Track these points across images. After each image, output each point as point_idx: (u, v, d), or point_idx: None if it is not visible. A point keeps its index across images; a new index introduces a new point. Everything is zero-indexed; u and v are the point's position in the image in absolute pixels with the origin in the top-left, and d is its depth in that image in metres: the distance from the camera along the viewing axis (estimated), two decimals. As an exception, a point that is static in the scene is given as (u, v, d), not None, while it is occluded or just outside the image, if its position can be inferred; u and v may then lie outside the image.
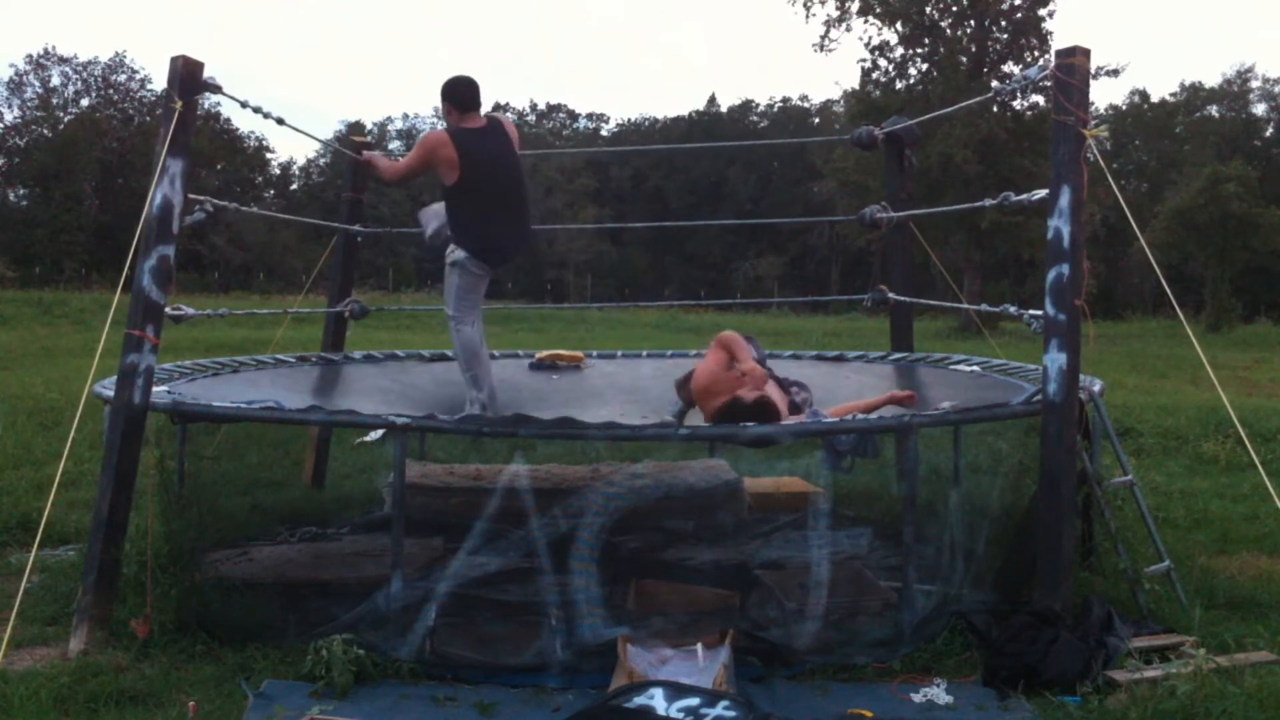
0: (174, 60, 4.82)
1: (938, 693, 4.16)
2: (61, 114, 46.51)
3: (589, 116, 69.93)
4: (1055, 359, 4.67)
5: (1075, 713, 3.92)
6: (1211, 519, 7.06)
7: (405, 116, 68.14)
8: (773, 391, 5.07)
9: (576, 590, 4.73)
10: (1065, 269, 4.70)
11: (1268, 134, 48.61)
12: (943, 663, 4.44)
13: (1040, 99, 29.69)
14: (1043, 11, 31.41)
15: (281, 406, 4.79)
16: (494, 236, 5.55)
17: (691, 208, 55.65)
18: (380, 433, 7.68)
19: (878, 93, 32.81)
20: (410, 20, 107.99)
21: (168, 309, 4.88)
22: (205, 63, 4.89)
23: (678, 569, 5.44)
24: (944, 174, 29.03)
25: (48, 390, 11.95)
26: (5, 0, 75.98)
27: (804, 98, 69.28)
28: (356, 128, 52.21)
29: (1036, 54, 31.10)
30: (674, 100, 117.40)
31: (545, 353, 7.68)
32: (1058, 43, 30.57)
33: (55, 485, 4.58)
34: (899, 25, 31.95)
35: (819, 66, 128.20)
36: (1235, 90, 48.83)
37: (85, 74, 47.74)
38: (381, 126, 62.28)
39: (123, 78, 48.10)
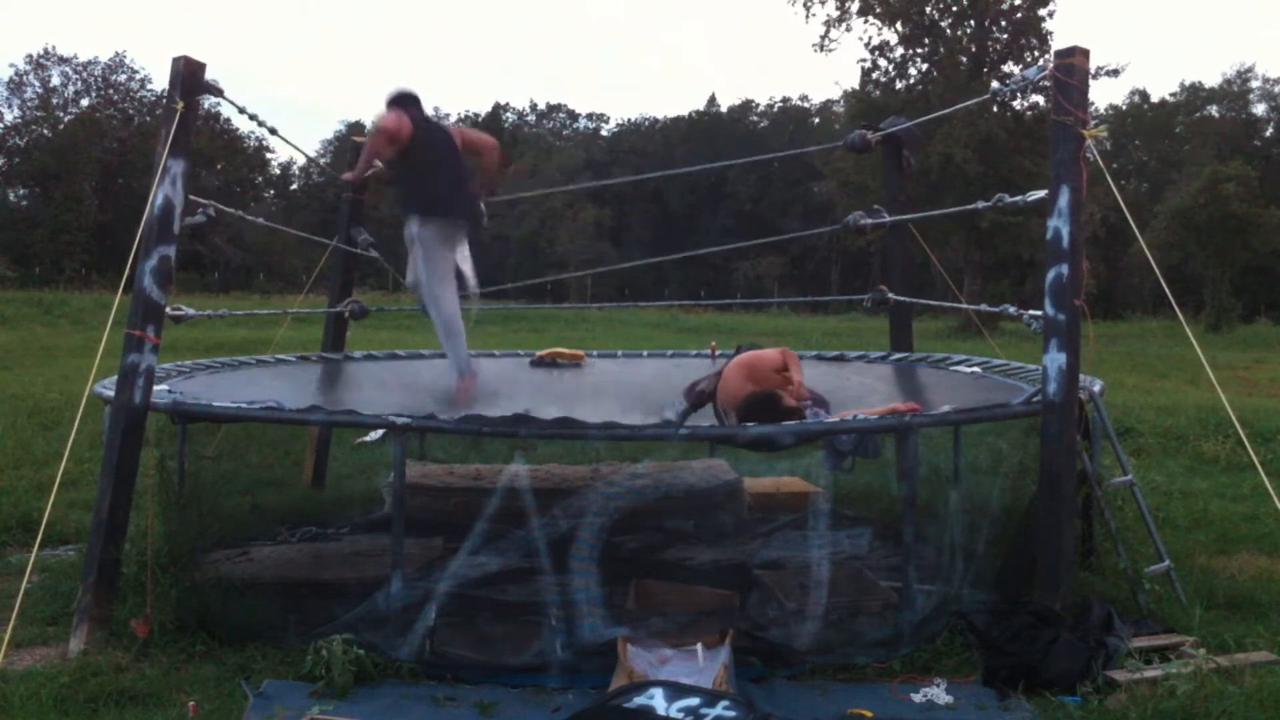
0: (175, 61, 4.82)
1: (938, 693, 4.16)
2: (61, 114, 46.49)
3: (589, 116, 70.05)
4: (1055, 359, 4.67)
5: (1075, 713, 3.92)
6: (1211, 519, 7.06)
7: (405, 116, 67.92)
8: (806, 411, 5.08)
9: (576, 590, 4.73)
10: (1065, 269, 4.70)
11: (1268, 134, 48.60)
12: (943, 663, 4.44)
13: (1040, 99, 29.71)
14: (1043, 11, 31.44)
15: (281, 406, 4.78)
16: (441, 191, 6.04)
17: (691, 208, 55.68)
18: (380, 433, 7.69)
19: (878, 93, 32.83)
20: (410, 20, 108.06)
21: (168, 309, 4.88)
22: (206, 63, 4.89)
23: (678, 569, 5.44)
24: (944, 174, 29.04)
25: (48, 390, 11.95)
26: (5, 0, 76.01)
27: (804, 98, 69.40)
28: (356, 128, 52.18)
29: (1036, 54, 31.12)
30: (674, 100, 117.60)
31: (546, 351, 7.69)
32: (1058, 43, 30.63)
33: (55, 485, 4.59)
34: (899, 25, 31.97)
35: (819, 66, 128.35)
36: (1235, 90, 48.82)
37: (85, 74, 47.74)
38: (381, 126, 62.16)
39: (123, 78, 48.12)
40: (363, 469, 8.15)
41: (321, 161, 49.55)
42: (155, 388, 4.80)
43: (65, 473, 4.93)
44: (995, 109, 29.82)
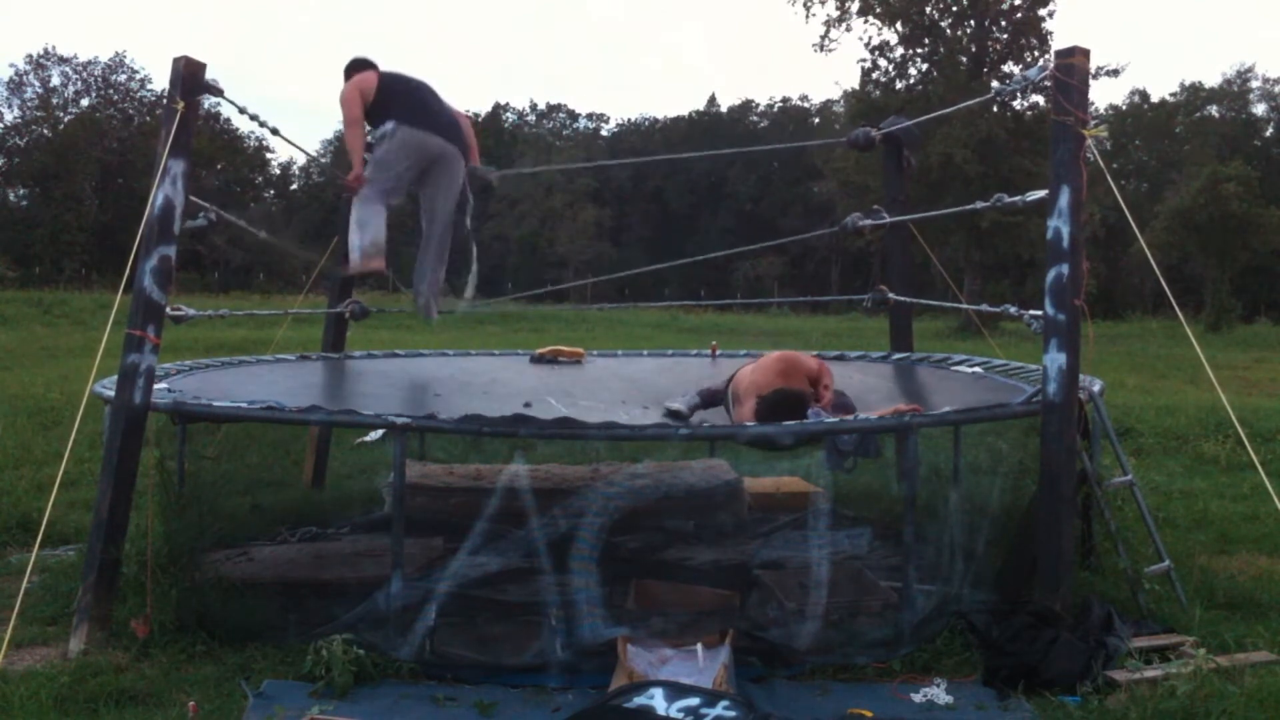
0: (176, 61, 4.82)
1: (938, 693, 4.16)
2: (61, 114, 46.52)
3: (589, 116, 70.03)
4: (1055, 359, 4.67)
5: (1075, 713, 3.92)
6: (1211, 519, 7.06)
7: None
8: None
9: (576, 590, 4.73)
10: (1065, 269, 4.70)
11: (1268, 134, 48.61)
12: (943, 663, 4.44)
13: (1040, 99, 29.71)
14: (1043, 11, 31.46)
15: (281, 406, 4.78)
16: (419, 104, 6.22)
17: (691, 208, 55.67)
18: (380, 433, 7.68)
19: (878, 93, 32.84)
20: (410, 20, 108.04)
21: (168, 309, 4.88)
22: (206, 63, 4.89)
23: (678, 569, 5.43)
24: (944, 174, 29.04)
25: (48, 390, 11.95)
26: (5, 0, 75.99)
27: (804, 98, 69.41)
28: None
29: (1036, 54, 31.13)
30: (674, 100, 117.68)
31: (546, 349, 7.69)
32: (1058, 43, 30.63)
33: (55, 485, 4.59)
34: (899, 25, 31.98)
35: (819, 66, 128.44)
36: (1235, 90, 48.82)
37: (85, 74, 47.78)
38: (381, 126, 62.19)
39: (123, 78, 48.16)
40: (363, 469, 8.15)
41: (322, 161, 49.52)
42: (155, 387, 4.80)
43: (65, 473, 4.93)
44: (995, 109, 29.83)
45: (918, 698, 4.13)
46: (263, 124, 5.74)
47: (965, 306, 7.27)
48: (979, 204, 6.03)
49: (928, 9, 31.80)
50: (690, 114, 64.31)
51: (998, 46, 32.04)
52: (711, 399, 5.35)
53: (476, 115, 60.89)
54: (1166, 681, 3.91)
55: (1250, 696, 3.80)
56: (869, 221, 7.35)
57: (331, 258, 7.76)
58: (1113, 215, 33.41)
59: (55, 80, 47.21)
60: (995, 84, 23.45)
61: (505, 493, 5.63)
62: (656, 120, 66.36)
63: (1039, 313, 4.81)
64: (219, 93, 5.01)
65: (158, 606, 4.53)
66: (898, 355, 7.51)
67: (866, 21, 32.51)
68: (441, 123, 6.30)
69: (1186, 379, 16.15)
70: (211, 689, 4.09)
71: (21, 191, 46.47)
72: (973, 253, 31.36)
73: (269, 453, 7.44)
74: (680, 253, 21.45)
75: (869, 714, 3.96)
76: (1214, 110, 49.04)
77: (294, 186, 58.98)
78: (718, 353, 8.08)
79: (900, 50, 32.76)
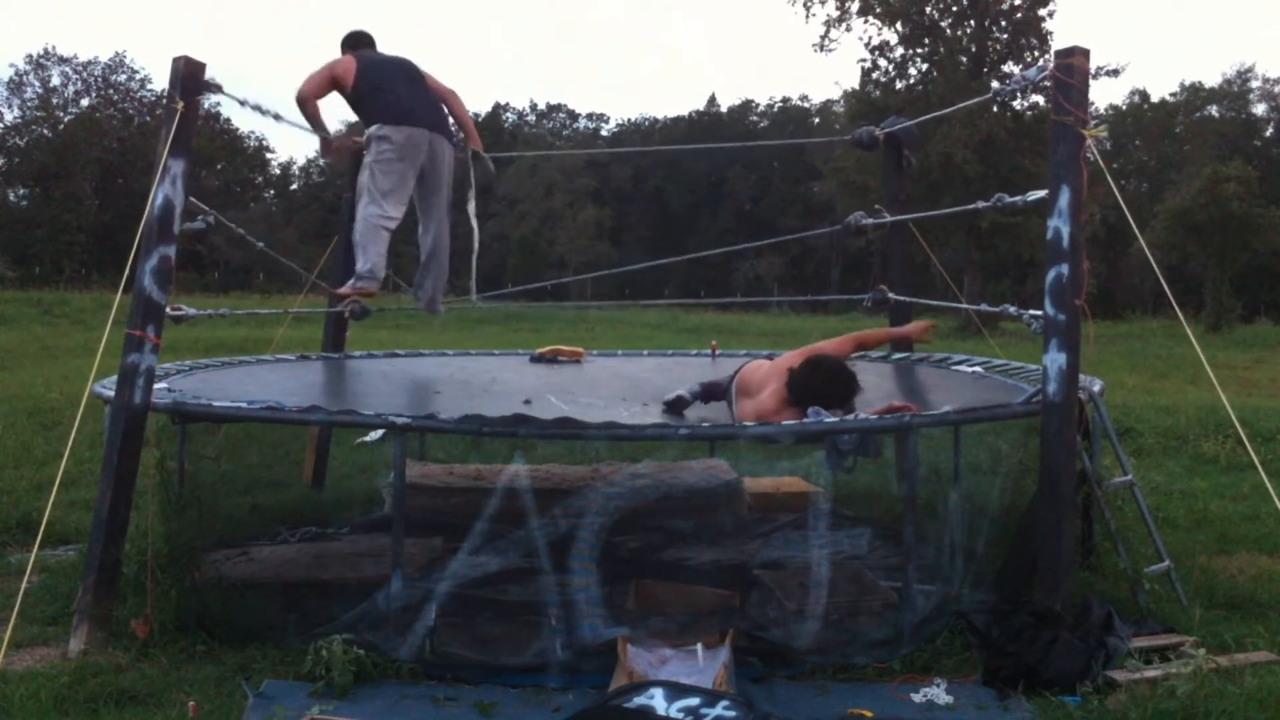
0: (176, 61, 4.82)
1: (938, 693, 4.16)
2: (61, 114, 46.52)
3: (589, 116, 70.08)
4: (1055, 359, 4.67)
5: (1075, 713, 3.92)
6: (1211, 519, 7.05)
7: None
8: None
9: (576, 590, 4.73)
10: (1065, 269, 4.69)
11: (1268, 134, 48.60)
12: (943, 663, 4.43)
13: (1040, 99, 29.71)
14: (1043, 11, 31.46)
15: (282, 406, 4.78)
16: (401, 96, 6.16)
17: (691, 207, 55.67)
18: (380, 433, 7.69)
19: (878, 93, 32.82)
20: (410, 20, 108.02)
21: (168, 309, 4.88)
22: (206, 63, 4.89)
23: (678, 569, 5.43)
24: (944, 174, 29.04)
25: (48, 390, 11.94)
26: (5, 0, 75.98)
27: (804, 98, 69.45)
28: (356, 126, 52.22)
29: (1036, 54, 31.13)
30: (674, 100, 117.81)
31: (546, 348, 7.69)
32: (1058, 43, 30.66)
33: (55, 485, 4.58)
34: (899, 25, 31.96)
35: (819, 66, 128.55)
36: (1235, 90, 48.80)
37: (85, 74, 47.78)
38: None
39: (123, 78, 48.16)
40: (363, 469, 8.15)
41: (322, 162, 49.47)
42: (155, 387, 4.80)
43: (65, 473, 4.92)
44: (995, 109, 29.82)
45: (918, 698, 4.13)
46: (264, 112, 5.71)
47: (965, 306, 7.26)
48: (979, 204, 6.03)
49: (928, 9, 31.79)
50: (690, 114, 64.30)
51: (998, 46, 32.04)
52: (713, 391, 5.35)
53: (476, 115, 60.91)
54: (1166, 681, 3.91)
55: (1250, 696, 3.79)
56: (871, 220, 7.34)
57: (331, 257, 7.77)
58: (1113, 215, 33.42)
59: (55, 80, 47.29)
60: (995, 84, 23.42)
61: (505, 493, 5.63)
62: (656, 120, 66.39)
63: (1039, 313, 4.81)
64: (219, 90, 5.01)
65: (158, 606, 4.53)
66: (898, 355, 7.51)
67: (866, 21, 32.53)
68: (424, 109, 6.27)
69: (1186, 379, 16.15)
70: (211, 689, 4.09)
71: (21, 191, 46.47)
72: (973, 253, 31.35)
73: (269, 453, 7.45)
74: (680, 252, 21.45)
75: (869, 714, 3.96)
76: (1214, 110, 49.02)
77: (294, 187, 59.00)
78: (718, 352, 8.08)
79: (900, 50, 32.76)
